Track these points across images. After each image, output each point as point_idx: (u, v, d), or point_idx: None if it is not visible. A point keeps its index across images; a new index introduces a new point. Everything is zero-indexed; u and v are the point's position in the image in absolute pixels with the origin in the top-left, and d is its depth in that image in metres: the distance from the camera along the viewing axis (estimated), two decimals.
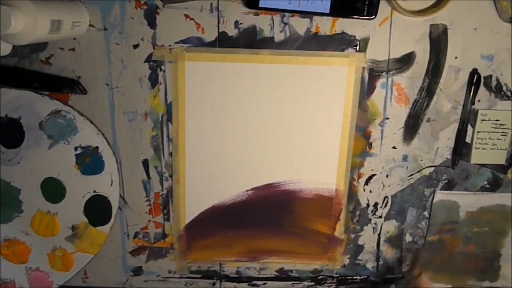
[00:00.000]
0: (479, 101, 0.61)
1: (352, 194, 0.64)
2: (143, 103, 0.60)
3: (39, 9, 0.44)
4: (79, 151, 0.61)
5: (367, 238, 0.67)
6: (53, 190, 0.62)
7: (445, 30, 0.57)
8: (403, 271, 0.69)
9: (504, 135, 0.62)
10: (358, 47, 0.58)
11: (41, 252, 0.65)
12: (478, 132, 0.62)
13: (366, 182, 0.64)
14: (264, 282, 0.69)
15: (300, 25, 0.57)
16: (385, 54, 0.58)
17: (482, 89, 0.60)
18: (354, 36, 0.57)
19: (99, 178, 0.62)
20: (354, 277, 0.69)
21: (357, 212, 0.65)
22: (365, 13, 0.54)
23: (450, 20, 0.57)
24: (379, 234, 0.67)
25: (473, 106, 0.61)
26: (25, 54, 0.57)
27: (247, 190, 0.64)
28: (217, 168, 0.62)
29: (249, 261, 0.67)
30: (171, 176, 0.63)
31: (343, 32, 0.57)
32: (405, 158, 0.63)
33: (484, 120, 0.61)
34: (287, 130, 0.61)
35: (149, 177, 0.63)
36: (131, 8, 0.56)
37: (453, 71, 0.59)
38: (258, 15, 0.56)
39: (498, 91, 0.60)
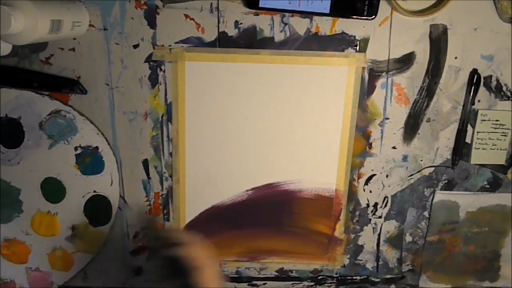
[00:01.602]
0: (479, 101, 0.61)
1: (352, 194, 0.64)
2: (143, 103, 0.60)
3: (39, 9, 0.44)
4: (79, 151, 0.61)
5: (367, 238, 0.67)
6: (53, 190, 0.62)
7: (445, 30, 0.57)
8: (402, 271, 0.69)
9: (504, 135, 0.62)
10: (358, 47, 0.58)
11: (41, 252, 0.65)
12: (478, 132, 0.62)
13: (366, 182, 0.64)
14: (264, 282, 0.69)
15: (300, 25, 0.57)
16: (385, 54, 0.58)
17: (482, 89, 0.60)
18: (354, 36, 0.57)
19: (99, 178, 0.62)
20: (354, 277, 0.69)
21: (357, 212, 0.65)
22: (365, 13, 0.54)
23: (450, 20, 0.57)
24: (379, 234, 0.67)
25: (473, 106, 0.61)
26: (25, 54, 0.57)
27: (247, 190, 0.64)
28: (217, 168, 0.62)
29: (249, 261, 0.67)
30: (171, 176, 0.63)
31: (343, 32, 0.57)
32: (405, 158, 0.63)
33: (484, 120, 0.61)
34: (287, 130, 0.61)
35: (149, 177, 0.63)
36: (131, 8, 0.56)
37: (453, 71, 0.59)
38: (258, 15, 0.56)
39: (498, 91, 0.60)
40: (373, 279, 0.69)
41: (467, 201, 0.65)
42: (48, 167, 0.61)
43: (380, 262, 0.68)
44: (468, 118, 0.61)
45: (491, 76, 0.60)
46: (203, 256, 0.50)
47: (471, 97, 0.60)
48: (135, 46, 0.57)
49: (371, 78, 0.59)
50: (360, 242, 0.67)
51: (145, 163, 0.62)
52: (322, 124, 0.61)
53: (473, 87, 0.59)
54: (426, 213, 0.66)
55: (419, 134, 0.62)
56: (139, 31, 0.56)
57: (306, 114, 0.60)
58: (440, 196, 0.65)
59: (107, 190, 0.62)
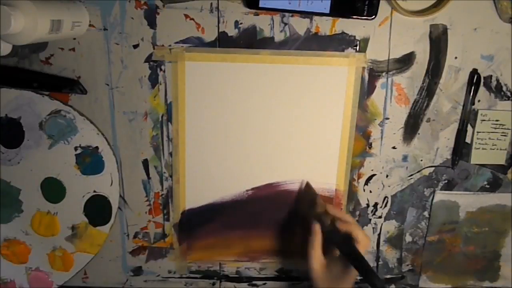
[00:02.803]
0: (479, 101, 0.61)
1: (352, 194, 0.64)
2: (143, 103, 0.60)
3: (39, 9, 0.44)
4: (79, 151, 0.61)
5: None
6: (53, 190, 0.62)
7: (445, 30, 0.57)
8: (402, 271, 0.69)
9: (504, 135, 0.62)
10: (358, 47, 0.58)
11: (41, 252, 0.65)
12: (478, 132, 0.62)
13: (366, 182, 0.64)
14: (264, 282, 0.69)
15: (300, 25, 0.57)
16: (385, 54, 0.58)
17: (482, 89, 0.60)
18: (354, 36, 0.57)
19: (99, 178, 0.62)
20: None
21: (357, 212, 0.65)
22: (365, 13, 0.54)
23: (450, 20, 0.57)
24: (379, 234, 0.67)
25: (473, 106, 0.61)
26: (25, 54, 0.57)
27: (247, 190, 0.64)
28: (217, 168, 0.62)
29: (249, 261, 0.67)
30: (171, 176, 0.63)
31: (343, 32, 0.57)
32: (405, 158, 0.63)
33: (484, 120, 0.61)
34: (287, 130, 0.61)
35: (149, 177, 0.63)
36: (131, 8, 0.56)
37: (453, 71, 0.59)
38: (258, 15, 0.56)
39: (498, 91, 0.60)
40: None
41: (467, 201, 0.65)
42: (48, 167, 0.61)
43: (380, 262, 0.68)
44: (468, 118, 0.61)
45: (491, 76, 0.60)
46: (359, 229, 0.56)
47: (471, 97, 0.60)
48: (135, 46, 0.57)
49: (371, 78, 0.59)
50: None
51: (145, 163, 0.62)
52: (322, 124, 0.61)
53: (473, 87, 0.59)
54: (426, 213, 0.66)
55: (419, 134, 0.62)
56: (139, 31, 0.57)
57: (306, 114, 0.60)
58: (440, 196, 0.65)
59: (107, 190, 0.62)
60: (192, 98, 0.59)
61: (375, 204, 0.65)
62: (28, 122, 0.59)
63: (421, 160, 0.63)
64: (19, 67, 0.58)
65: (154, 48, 0.57)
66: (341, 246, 0.55)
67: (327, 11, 0.54)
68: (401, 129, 0.62)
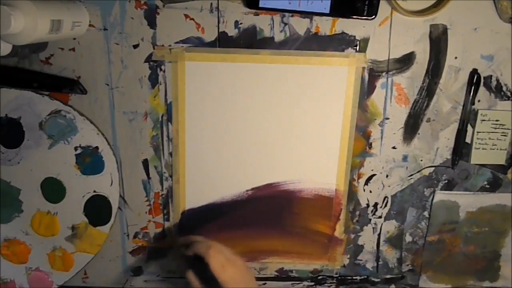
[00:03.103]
0: (479, 101, 0.61)
1: (352, 194, 0.64)
2: (143, 103, 0.60)
3: (39, 9, 0.44)
4: (79, 151, 0.61)
5: (367, 238, 0.67)
6: (53, 190, 0.62)
7: (445, 30, 0.57)
8: (402, 271, 0.69)
9: (504, 135, 0.62)
10: (358, 47, 0.58)
11: (41, 252, 0.65)
12: (478, 132, 0.62)
13: (366, 182, 0.64)
14: (264, 282, 0.69)
15: (300, 25, 0.57)
16: (385, 54, 0.58)
17: (482, 89, 0.60)
18: (354, 36, 0.57)
19: (99, 178, 0.62)
20: (354, 277, 0.69)
21: (357, 212, 0.65)
22: (365, 13, 0.55)
23: (450, 20, 0.57)
24: (379, 234, 0.67)
25: (473, 106, 0.61)
26: (25, 54, 0.57)
27: (247, 190, 0.64)
28: (217, 168, 0.62)
29: (249, 261, 0.67)
30: (171, 176, 0.63)
31: (343, 32, 0.57)
32: (405, 158, 0.63)
33: (484, 120, 0.61)
34: (287, 130, 0.61)
35: (149, 177, 0.63)
36: (131, 8, 0.56)
37: (453, 71, 0.59)
38: (258, 15, 0.56)
39: (498, 91, 0.60)
40: (373, 279, 0.69)
41: (467, 201, 0.65)
42: (48, 167, 0.61)
43: (380, 262, 0.68)
44: (468, 118, 0.61)
45: (491, 76, 0.60)
46: (209, 249, 0.55)
47: (471, 97, 0.60)
48: (135, 46, 0.57)
49: (371, 78, 0.59)
50: (360, 242, 0.67)
51: (145, 163, 0.62)
52: (322, 124, 0.61)
53: (473, 87, 0.59)
54: (426, 213, 0.66)
55: (419, 134, 0.62)
56: (139, 31, 0.57)
57: (306, 114, 0.60)
58: (440, 196, 0.65)
59: (107, 190, 0.62)
60: (192, 98, 0.59)
61: (375, 204, 0.65)
62: (28, 122, 0.59)
63: (421, 160, 0.63)
64: (19, 67, 0.58)
65: (154, 48, 0.57)
66: (196, 270, 0.54)
67: (327, 11, 0.54)
68: (401, 129, 0.62)
